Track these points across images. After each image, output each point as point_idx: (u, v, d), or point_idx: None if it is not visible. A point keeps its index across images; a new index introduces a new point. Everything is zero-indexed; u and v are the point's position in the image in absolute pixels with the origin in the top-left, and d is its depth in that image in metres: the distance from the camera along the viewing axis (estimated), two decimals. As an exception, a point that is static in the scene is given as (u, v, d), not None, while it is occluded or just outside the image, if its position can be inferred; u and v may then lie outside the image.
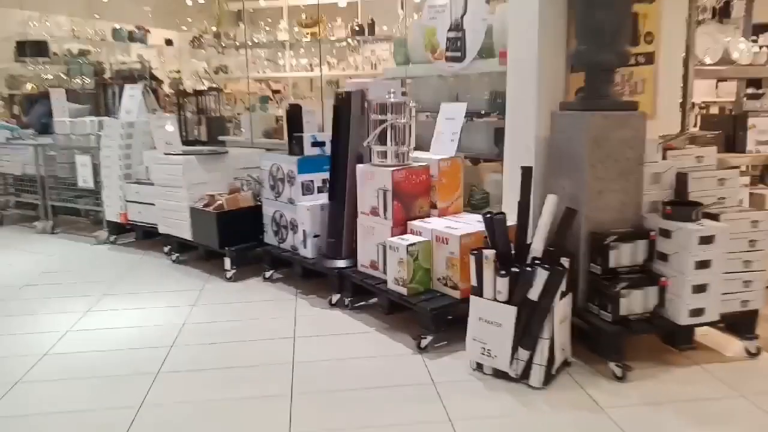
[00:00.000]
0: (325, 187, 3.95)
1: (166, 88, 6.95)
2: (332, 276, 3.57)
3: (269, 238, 4.15)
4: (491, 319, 2.44)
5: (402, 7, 5.98)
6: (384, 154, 3.37)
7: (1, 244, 5.35)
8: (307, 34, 7.08)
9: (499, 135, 3.60)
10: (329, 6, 7.40)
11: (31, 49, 7.55)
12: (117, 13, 9.52)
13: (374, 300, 3.44)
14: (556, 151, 2.92)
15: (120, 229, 5.16)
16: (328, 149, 3.93)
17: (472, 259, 2.54)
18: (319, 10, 7.20)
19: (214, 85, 6.99)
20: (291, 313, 3.52)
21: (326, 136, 3.96)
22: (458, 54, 3.77)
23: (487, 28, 3.69)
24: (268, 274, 4.10)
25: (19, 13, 7.84)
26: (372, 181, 3.37)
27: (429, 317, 2.82)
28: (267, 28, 8.11)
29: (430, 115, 4.16)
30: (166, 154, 4.61)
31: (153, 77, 6.06)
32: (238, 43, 8.45)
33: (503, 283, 2.41)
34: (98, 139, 5.24)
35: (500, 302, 2.42)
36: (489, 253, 2.45)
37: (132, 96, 5.14)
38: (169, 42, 10.29)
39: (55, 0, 8.62)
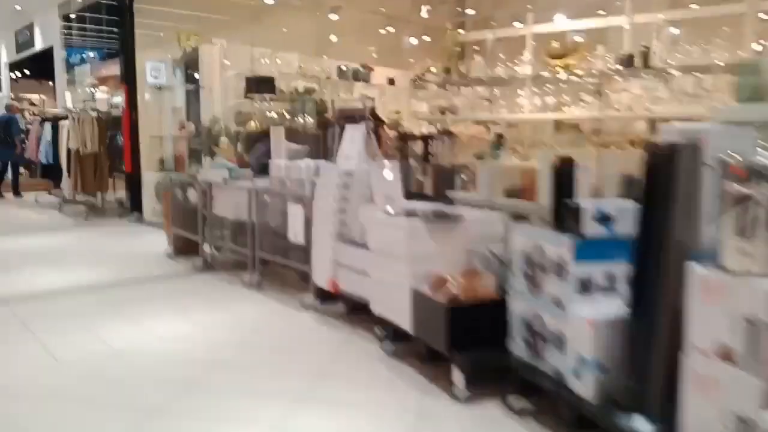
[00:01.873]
0: (613, 286, 2.62)
1: (389, 130, 6.18)
2: (634, 446, 2.19)
3: (518, 347, 2.90)
4: None
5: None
6: (751, 254, 1.94)
7: (205, 297, 4.88)
8: (558, 67, 5.82)
9: None
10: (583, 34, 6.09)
11: (259, 85, 7.41)
12: (344, 51, 9.31)
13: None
14: None
15: (329, 295, 4.33)
16: (619, 227, 2.60)
17: None
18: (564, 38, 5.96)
19: (441, 128, 6.05)
20: (562, 496, 2.21)
21: (618, 207, 2.64)
22: None
23: None
24: (515, 403, 2.84)
25: (251, 50, 7.83)
26: (724, 301, 1.96)
27: None
28: (497, 63, 7.06)
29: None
30: (386, 213, 3.65)
31: (376, 117, 5.28)
32: (468, 80, 7.54)
33: None
34: (312, 187, 4.53)
35: None
36: None
37: (352, 139, 4.33)
38: (391, 81, 9.85)
39: (285, 38, 8.63)
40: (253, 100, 7.72)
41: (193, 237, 5.84)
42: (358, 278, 3.88)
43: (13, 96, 14.82)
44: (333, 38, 9.15)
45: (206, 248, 5.77)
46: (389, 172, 3.97)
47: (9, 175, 11.81)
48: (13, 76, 16.19)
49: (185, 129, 8.25)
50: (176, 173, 7.76)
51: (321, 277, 4.26)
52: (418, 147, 5.69)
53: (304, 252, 4.52)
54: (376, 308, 3.67)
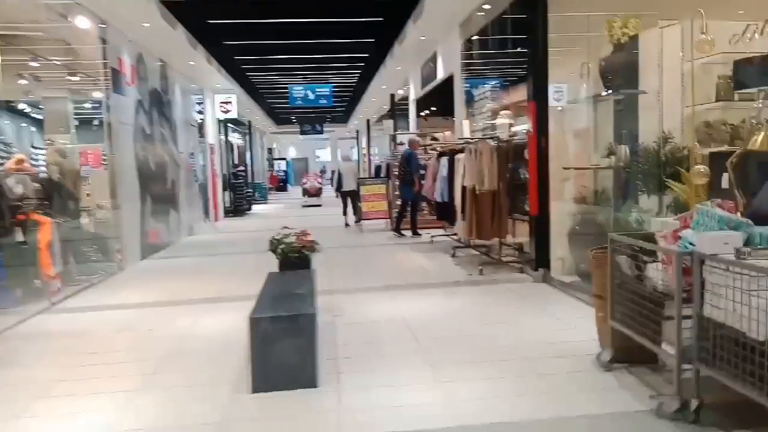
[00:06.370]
0: None
1: None
2: None
3: None
4: None
5: None
6: None
7: None
8: None
9: None
10: None
11: (757, 71, 4.33)
12: None
13: None
14: None
15: None
16: None
17: None
18: None
19: None
20: None
21: None
22: None
23: None
24: None
25: (734, 26, 4.83)
26: None
27: None
28: None
29: None
30: None
31: None
32: None
33: None
34: None
35: None
36: None
37: None
38: None
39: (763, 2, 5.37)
40: (732, 102, 4.74)
41: (656, 349, 3.25)
42: None
43: (419, 132, 14.90)
44: None
45: (685, 370, 3.09)
46: None
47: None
48: (422, 114, 16.61)
49: (614, 155, 5.77)
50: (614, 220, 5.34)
51: None
52: None
53: None
54: None
